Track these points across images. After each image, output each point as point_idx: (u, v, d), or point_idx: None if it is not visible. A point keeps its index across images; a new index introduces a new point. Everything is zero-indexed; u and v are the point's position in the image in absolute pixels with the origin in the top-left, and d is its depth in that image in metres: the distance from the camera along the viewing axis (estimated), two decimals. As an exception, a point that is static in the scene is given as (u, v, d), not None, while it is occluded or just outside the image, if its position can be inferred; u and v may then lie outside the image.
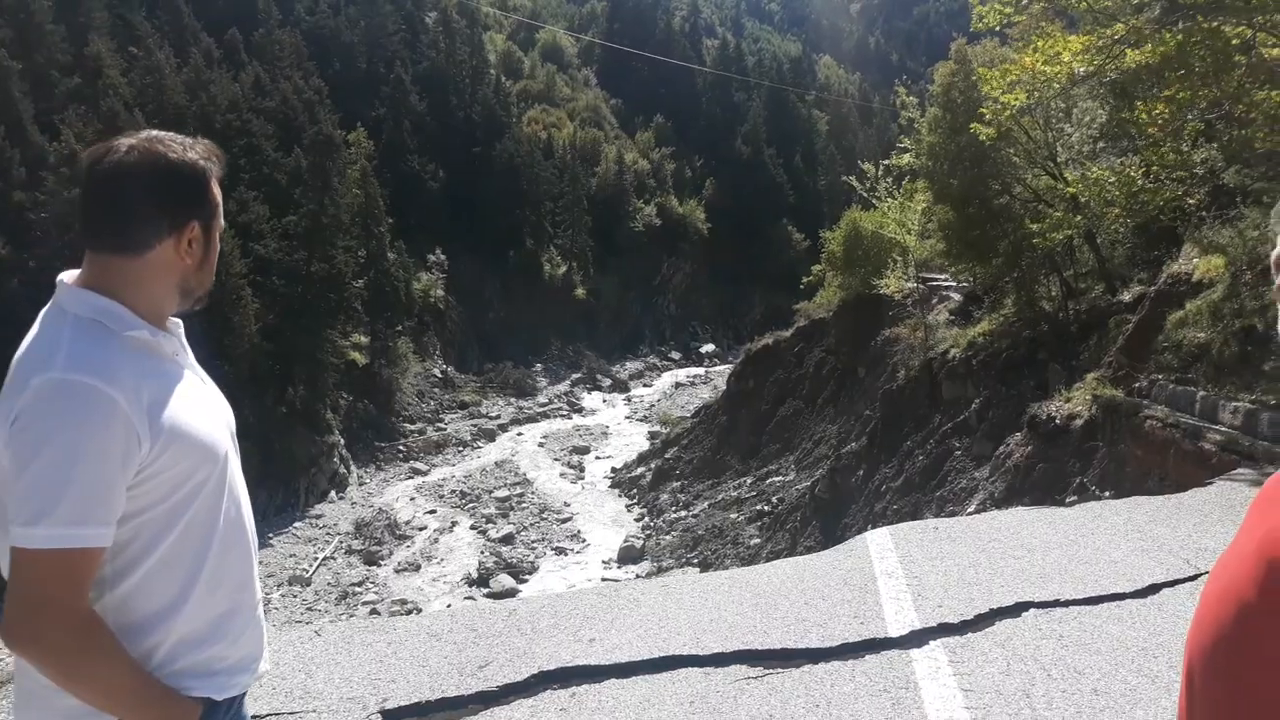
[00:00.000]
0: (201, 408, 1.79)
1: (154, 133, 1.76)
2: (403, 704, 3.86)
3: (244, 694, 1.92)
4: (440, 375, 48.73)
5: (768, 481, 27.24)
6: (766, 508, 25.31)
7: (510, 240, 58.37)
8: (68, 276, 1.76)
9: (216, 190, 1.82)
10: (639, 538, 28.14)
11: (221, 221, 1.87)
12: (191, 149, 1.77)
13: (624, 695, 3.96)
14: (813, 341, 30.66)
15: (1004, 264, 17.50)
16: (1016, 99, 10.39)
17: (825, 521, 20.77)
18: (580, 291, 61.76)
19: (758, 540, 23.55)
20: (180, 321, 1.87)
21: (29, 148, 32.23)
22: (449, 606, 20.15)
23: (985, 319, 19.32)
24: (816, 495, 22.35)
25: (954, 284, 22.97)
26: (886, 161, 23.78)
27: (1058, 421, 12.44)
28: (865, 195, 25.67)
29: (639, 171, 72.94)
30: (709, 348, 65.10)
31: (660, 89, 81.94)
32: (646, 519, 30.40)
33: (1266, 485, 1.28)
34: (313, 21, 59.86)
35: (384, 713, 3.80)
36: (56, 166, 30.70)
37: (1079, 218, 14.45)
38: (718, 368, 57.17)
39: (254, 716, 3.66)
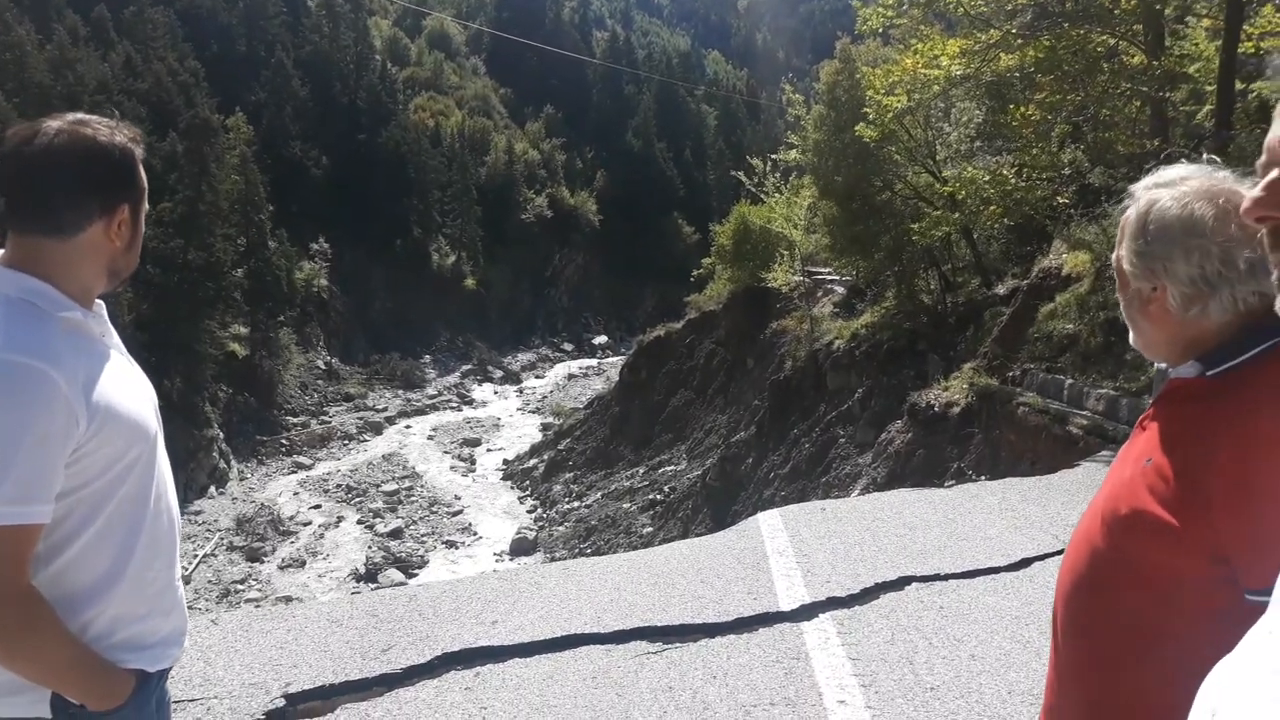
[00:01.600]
0: (131, 388, 1.81)
1: (80, 115, 1.77)
2: (306, 688, 3.86)
3: (170, 667, 1.95)
4: (324, 367, 47.63)
5: (660, 471, 27.57)
6: (659, 496, 25.62)
7: (397, 229, 57.37)
8: None
9: (143, 173, 1.84)
10: (532, 529, 28.13)
11: (146, 204, 1.88)
12: (119, 131, 1.78)
13: (527, 673, 4.04)
14: (703, 333, 31.13)
15: (886, 258, 18.14)
16: (898, 101, 10.79)
17: (716, 509, 21.16)
18: (470, 282, 61.13)
19: (650, 529, 23.82)
20: (103, 303, 1.88)
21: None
22: (352, 587, 20.03)
23: (868, 311, 19.97)
24: (708, 483, 22.76)
25: (838, 278, 23.66)
26: (774, 157, 24.31)
27: (936, 409, 13.00)
28: (753, 190, 26.18)
29: (529, 162, 72.56)
30: (601, 339, 65.33)
31: (551, 80, 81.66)
32: (539, 510, 30.39)
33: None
34: (187, 1, 57.58)
35: (287, 696, 3.79)
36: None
37: (956, 215, 15.10)
38: (610, 359, 57.42)
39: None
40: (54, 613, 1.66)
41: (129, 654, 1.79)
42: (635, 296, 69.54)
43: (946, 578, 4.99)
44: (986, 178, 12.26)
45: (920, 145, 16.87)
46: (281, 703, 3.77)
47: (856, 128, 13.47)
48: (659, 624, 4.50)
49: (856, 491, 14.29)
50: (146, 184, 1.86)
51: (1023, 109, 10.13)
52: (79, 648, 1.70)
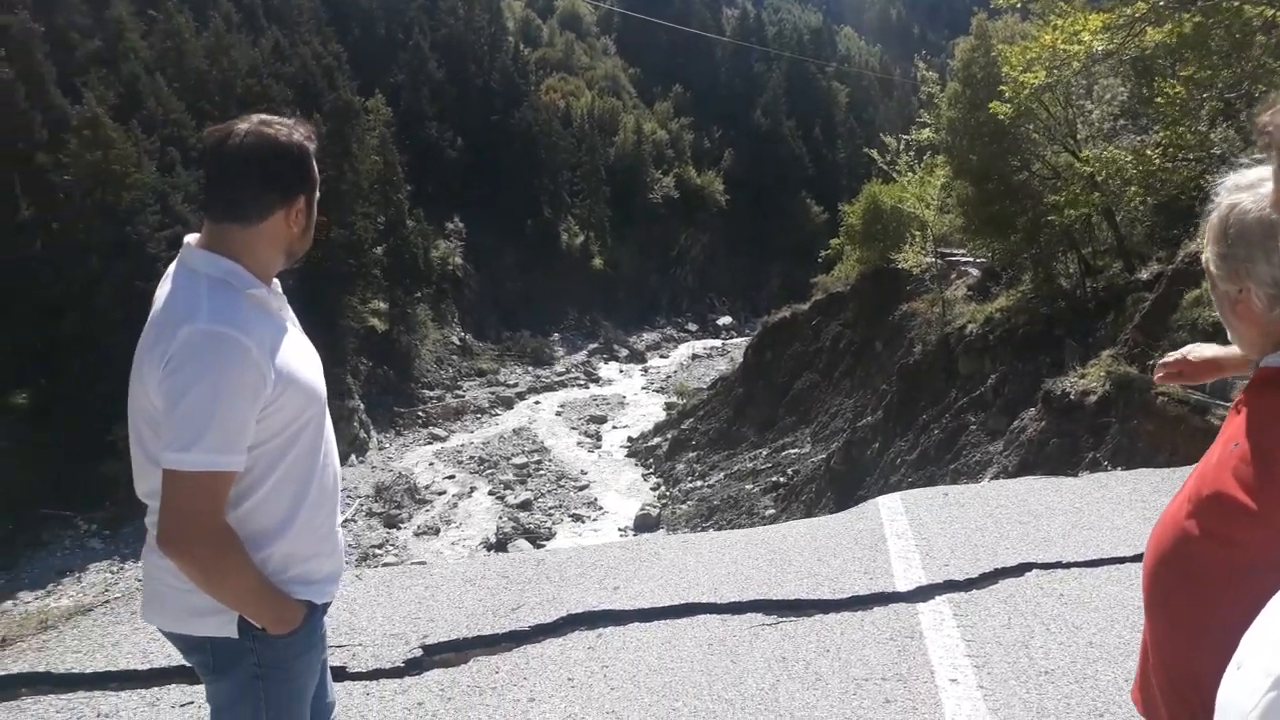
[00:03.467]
0: (305, 356, 2.10)
1: (264, 117, 2.03)
2: (441, 640, 4.15)
3: (330, 602, 2.22)
4: (459, 342, 49.09)
5: (783, 453, 27.50)
6: (782, 479, 25.58)
7: (528, 209, 58.45)
8: (192, 240, 2.03)
9: (315, 168, 2.09)
10: (655, 506, 28.49)
11: (318, 193, 2.13)
12: (296, 131, 2.04)
13: (646, 637, 4.23)
14: (830, 315, 30.79)
15: (1022, 240, 17.58)
16: (1035, 78, 10.48)
17: (840, 493, 21.01)
18: (598, 262, 61.86)
19: (773, 510, 23.83)
20: (278, 281, 2.14)
21: (51, 110, 32.49)
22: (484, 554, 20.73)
23: (1003, 295, 19.42)
24: (832, 467, 22.60)
25: (972, 259, 23.04)
26: (906, 136, 23.78)
27: (1072, 397, 12.62)
28: (885, 169, 25.69)
29: (657, 142, 72.68)
30: (726, 320, 65.21)
31: (679, 59, 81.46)
32: (662, 488, 30.74)
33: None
34: (331, -14, 59.78)
35: (425, 647, 4.09)
36: (79, 129, 30.97)
37: (1096, 195, 14.53)
38: (735, 340, 57.29)
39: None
40: (243, 547, 1.94)
41: (299, 587, 2.08)
42: (761, 277, 69.05)
43: (1069, 565, 4.94)
44: (1129, 157, 11.77)
45: (1060, 124, 16.27)
46: (419, 653, 4.06)
47: (991, 105, 13.11)
48: (774, 598, 4.62)
49: (986, 479, 14.02)
50: (318, 177, 2.10)
51: (1170, 85, 9.71)
52: (261, 578, 1.98)
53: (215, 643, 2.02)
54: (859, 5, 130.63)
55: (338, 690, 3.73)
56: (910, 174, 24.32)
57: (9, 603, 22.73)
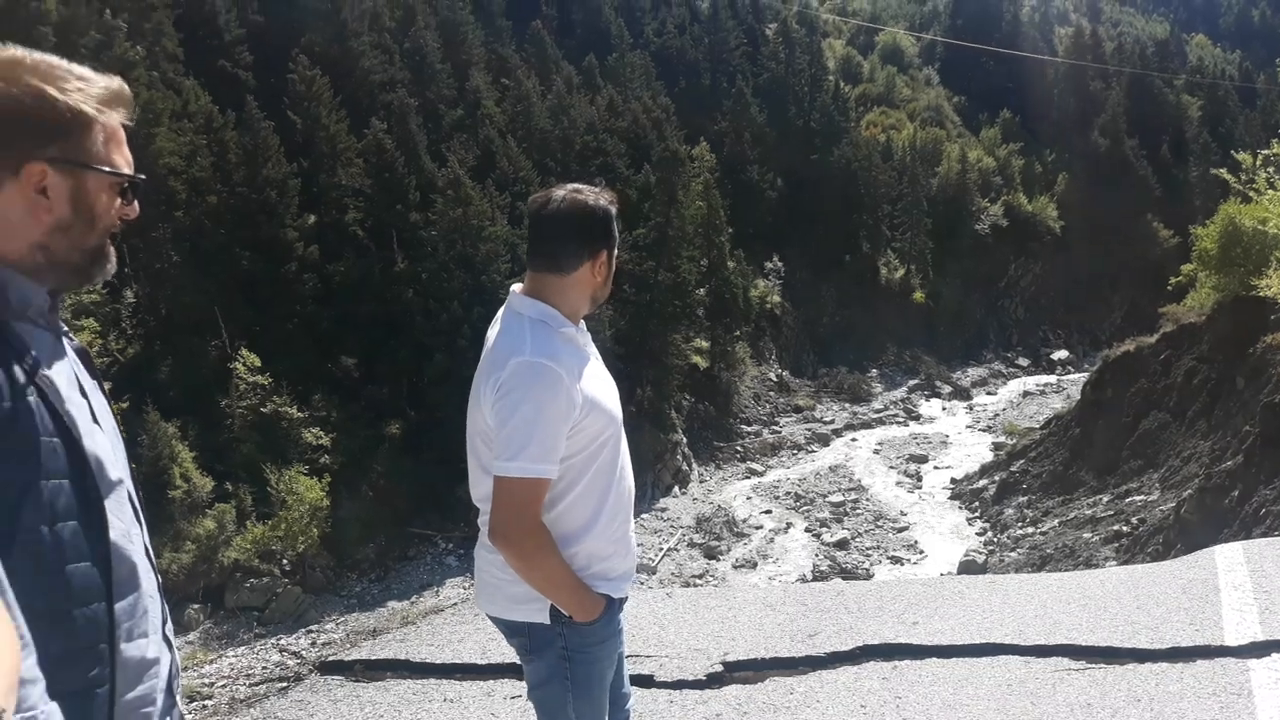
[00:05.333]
0: (606, 384, 2.49)
1: (575, 185, 2.47)
2: (741, 658, 4.41)
3: (625, 598, 2.60)
4: (776, 379, 49.61)
5: (1127, 500, 25.30)
6: (1125, 528, 23.53)
7: (846, 245, 58.12)
8: (517, 289, 2.48)
9: (616, 227, 2.48)
10: (980, 553, 27.17)
11: (617, 249, 2.52)
12: (601, 196, 2.45)
13: (943, 672, 4.24)
14: (1181, 348, 27.98)
15: None
16: None
17: (1191, 545, 18.88)
18: (919, 295, 60.18)
19: (1114, 563, 21.99)
20: (583, 321, 2.53)
21: (422, 174, 36.84)
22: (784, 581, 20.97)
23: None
24: (1182, 516, 20.51)
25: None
26: (1265, 152, 21.32)
27: None
28: (1240, 188, 23.16)
29: (983, 170, 69.71)
30: (1061, 354, 60.96)
31: (1007, 83, 77.81)
32: (989, 534, 29.26)
33: None
34: (660, 42, 63.11)
35: (725, 664, 4.36)
36: (444, 190, 34.87)
37: None
38: (1071, 376, 53.46)
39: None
40: (555, 543, 2.35)
41: (600, 582, 2.46)
42: (1100, 308, 63.88)
43: None
44: None
45: None
46: (720, 668, 4.34)
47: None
48: (1084, 643, 4.46)
49: (1371, 535, 12.21)
50: (618, 234, 2.50)
51: None
52: (570, 571, 2.38)
53: (532, 627, 2.43)
54: (1213, 9, 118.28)
55: (644, 696, 4.10)
56: (1271, 191, 21.74)
57: (381, 609, 25.83)
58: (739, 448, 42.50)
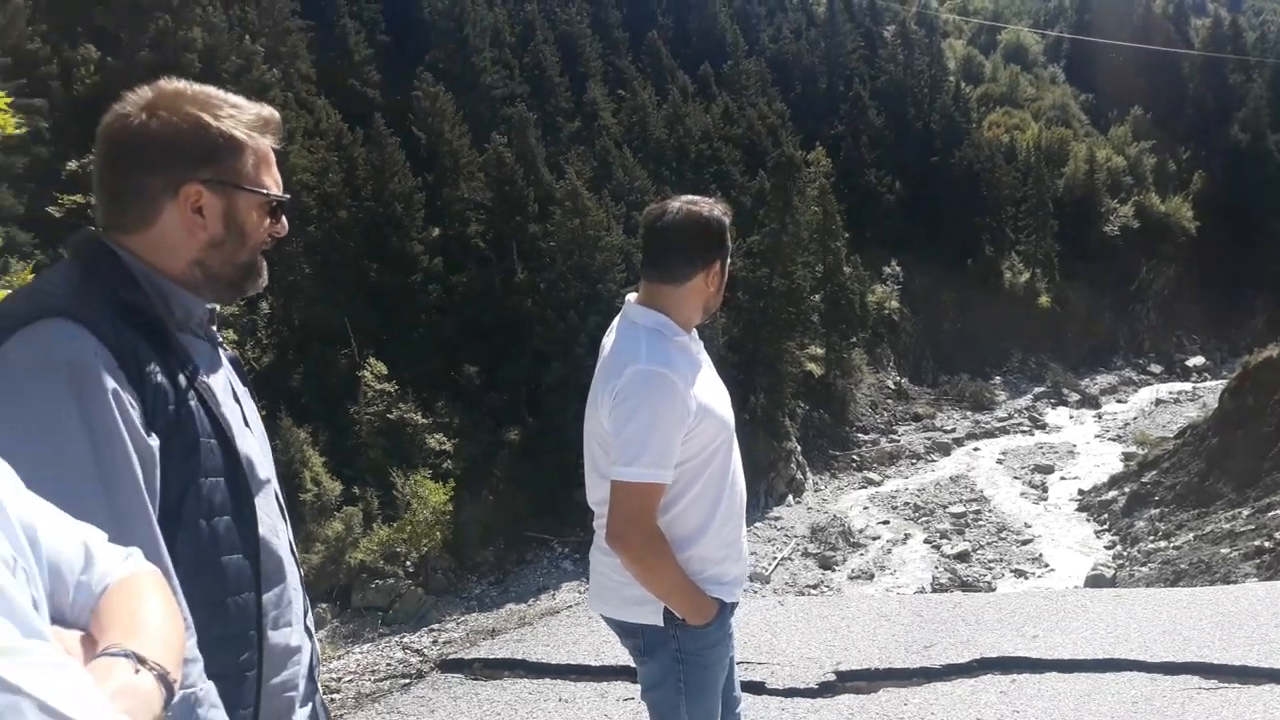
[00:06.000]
0: (719, 391, 2.54)
1: (690, 197, 2.53)
2: (854, 668, 4.43)
3: (737, 603, 2.65)
4: (894, 387, 48.70)
5: (1270, 514, 23.99)
6: (1268, 544, 22.34)
7: (968, 249, 56.65)
8: (631, 297, 2.57)
9: (729, 237, 2.54)
10: (1109, 567, 26.17)
11: (729, 258, 2.58)
12: (715, 207, 2.50)
13: (1064, 687, 4.18)
14: (1331, 355, 26.43)
15: None
16: None
17: (1342, 564, 17.96)
18: (1044, 300, 58.15)
19: (1254, 579, 20.88)
20: (696, 330, 2.58)
21: (540, 185, 37.58)
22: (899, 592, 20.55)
23: None
24: (1331, 533, 19.38)
25: None
26: None
27: None
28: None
29: (1112, 169, 66.90)
30: (1197, 360, 58.03)
31: (1138, 79, 74.42)
32: (1118, 547, 28.15)
33: None
34: (776, 49, 62.74)
35: (838, 673, 4.39)
36: (562, 201, 35.50)
37: None
38: (1207, 383, 50.87)
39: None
40: (669, 547, 2.42)
41: (712, 587, 2.51)
42: (1240, 312, 60.48)
43: None
44: None
45: None
46: (832, 677, 4.37)
47: None
48: (1217, 661, 4.32)
49: None
50: (731, 245, 2.56)
51: None
52: (683, 575, 2.44)
53: (646, 629, 2.50)
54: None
55: (756, 703, 4.16)
56: None
57: (499, 610, 26.42)
58: (855, 456, 41.88)
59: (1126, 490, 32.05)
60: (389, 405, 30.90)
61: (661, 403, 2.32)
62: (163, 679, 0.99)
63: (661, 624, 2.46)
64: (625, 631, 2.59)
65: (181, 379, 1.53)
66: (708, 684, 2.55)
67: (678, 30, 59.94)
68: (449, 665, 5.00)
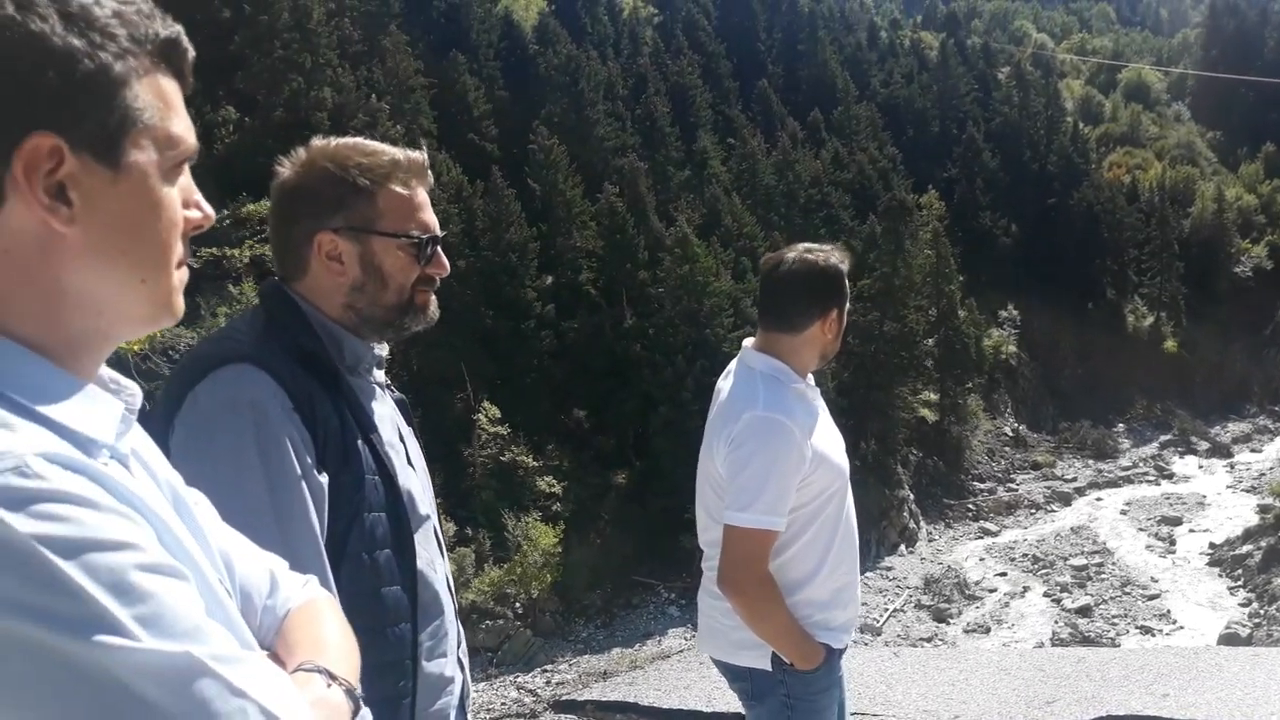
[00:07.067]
0: (834, 438, 2.61)
1: (807, 245, 2.61)
2: (975, 721, 4.43)
3: (845, 649, 2.68)
4: (1011, 434, 47.35)
5: None
6: None
7: (1089, 292, 54.99)
8: (749, 344, 2.63)
9: (847, 284, 2.60)
10: (1244, 625, 24.86)
11: (848, 305, 2.64)
12: (831, 256, 2.57)
13: (1195, 748, 4.11)
14: None
15: None
16: None
17: None
18: (1170, 344, 55.86)
19: None
20: (812, 376, 2.65)
21: (650, 233, 38.15)
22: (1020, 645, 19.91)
23: None
24: None
25: None
26: None
27: None
28: None
29: (1243, 208, 64.13)
30: (1339, 407, 54.81)
31: (1270, 114, 71.49)
32: (1254, 605, 26.72)
33: None
34: (887, 93, 62.47)
35: (958, 726, 4.40)
36: (671, 248, 35.97)
37: None
38: (1356, 432, 48.04)
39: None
40: (780, 592, 2.47)
41: (821, 632, 2.54)
42: (1391, 356, 57.00)
43: None
44: None
45: None
46: (953, 729, 4.38)
47: None
48: (1360, 728, 4.19)
49: None
50: (848, 292, 2.62)
51: None
52: (793, 620, 2.48)
53: (754, 673, 2.54)
54: None
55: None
56: None
57: (607, 654, 26.52)
58: (971, 505, 40.78)
59: (1263, 544, 30.45)
60: (501, 448, 31.59)
61: (778, 449, 2.37)
62: (350, 694, 1.09)
63: (769, 668, 2.49)
64: (734, 675, 2.63)
65: (350, 419, 1.62)
66: None
67: (788, 78, 60.27)
68: (562, 706, 5.15)
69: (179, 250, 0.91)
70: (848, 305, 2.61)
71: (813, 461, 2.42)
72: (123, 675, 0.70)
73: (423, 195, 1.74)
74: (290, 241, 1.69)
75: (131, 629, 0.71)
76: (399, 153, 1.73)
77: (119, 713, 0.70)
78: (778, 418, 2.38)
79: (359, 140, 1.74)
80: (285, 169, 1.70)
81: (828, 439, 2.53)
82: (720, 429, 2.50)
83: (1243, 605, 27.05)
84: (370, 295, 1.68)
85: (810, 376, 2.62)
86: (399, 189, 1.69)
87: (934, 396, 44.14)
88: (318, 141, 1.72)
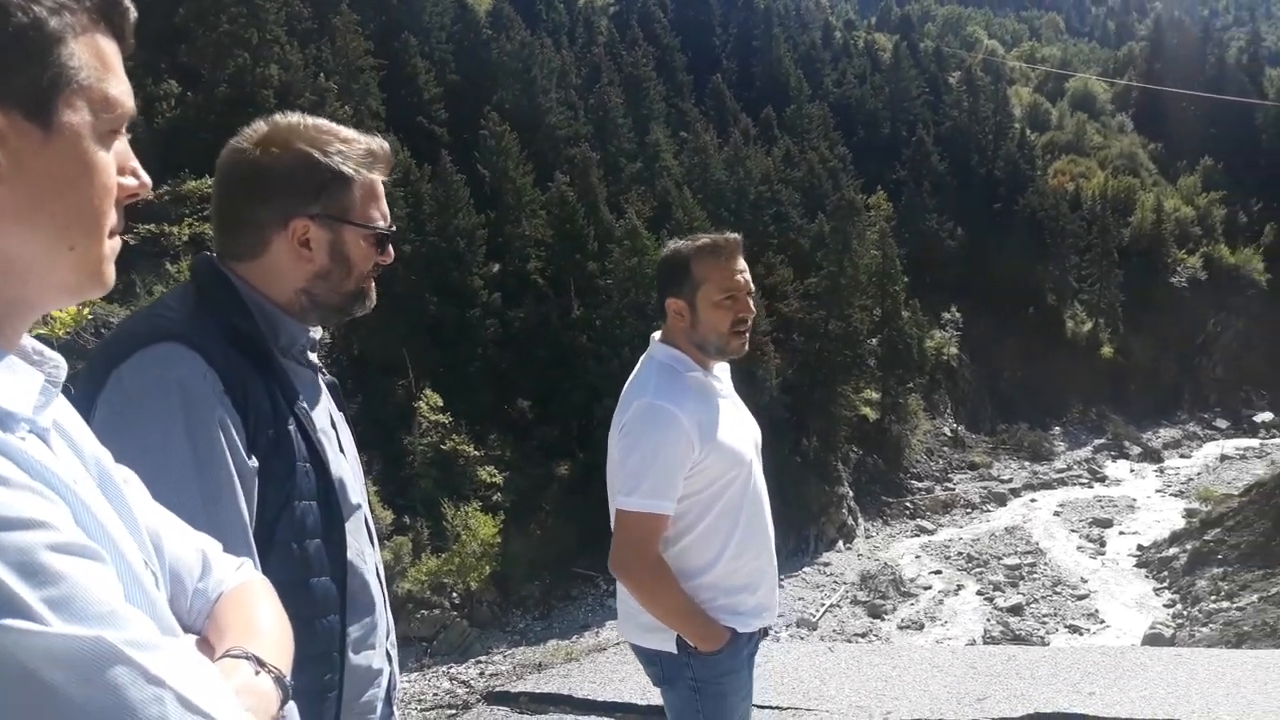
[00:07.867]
0: (733, 426, 2.58)
1: (694, 234, 2.64)
2: (905, 718, 4.39)
3: (759, 635, 2.68)
4: (950, 434, 48.07)
5: (1341, 579, 23.25)
6: (1338, 610, 21.64)
7: (1030, 297, 56.01)
8: (656, 335, 2.66)
9: (699, 269, 2.54)
10: (1168, 625, 25.50)
11: (724, 296, 2.57)
12: (688, 241, 2.58)
13: (1120, 747, 4.11)
14: None
15: None
16: None
17: None
18: (1107, 350, 57.14)
19: (1324, 646, 20.19)
20: (727, 366, 2.68)
21: (600, 224, 38.03)
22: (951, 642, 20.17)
23: None
24: (1407, 602, 18.69)
25: None
26: None
27: None
28: None
29: (1181, 220, 65.75)
30: (1266, 416, 56.39)
31: (1210, 129, 73.38)
32: (1178, 606, 27.41)
33: None
34: (840, 93, 63.01)
35: (889, 722, 4.36)
36: (620, 240, 35.88)
37: None
38: (1276, 440, 49.57)
39: (775, 707, 4.48)
40: (673, 576, 2.47)
41: (727, 615, 2.54)
42: (1313, 367, 58.82)
43: None
44: None
45: None
46: (882, 726, 4.35)
47: None
48: (1285, 727, 4.22)
49: None
50: (711, 277, 2.56)
51: None
52: (689, 602, 2.48)
53: (662, 656, 2.55)
54: None
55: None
56: None
57: (543, 645, 26.41)
58: (909, 504, 41.34)
59: (1188, 547, 31.25)
60: (443, 436, 31.25)
61: (662, 436, 2.39)
62: (279, 681, 1.04)
63: (675, 651, 2.50)
64: (647, 659, 2.64)
65: (282, 404, 1.56)
66: (726, 714, 2.57)
67: (742, 74, 60.55)
68: (495, 698, 5.04)
69: (112, 218, 0.85)
70: (723, 296, 2.51)
71: (704, 449, 2.44)
72: (28, 661, 0.65)
73: (382, 184, 1.72)
74: (252, 223, 1.61)
75: (39, 612, 0.66)
76: (373, 141, 1.70)
77: (24, 701, 0.66)
78: (664, 405, 2.41)
79: (330, 124, 1.68)
80: (248, 145, 1.61)
81: (727, 427, 2.53)
82: (618, 417, 2.54)
83: (1167, 606, 27.75)
84: (332, 283, 1.66)
85: (723, 366, 2.64)
86: (371, 178, 1.67)
87: (876, 395, 44.63)
88: (284, 119, 1.65)
